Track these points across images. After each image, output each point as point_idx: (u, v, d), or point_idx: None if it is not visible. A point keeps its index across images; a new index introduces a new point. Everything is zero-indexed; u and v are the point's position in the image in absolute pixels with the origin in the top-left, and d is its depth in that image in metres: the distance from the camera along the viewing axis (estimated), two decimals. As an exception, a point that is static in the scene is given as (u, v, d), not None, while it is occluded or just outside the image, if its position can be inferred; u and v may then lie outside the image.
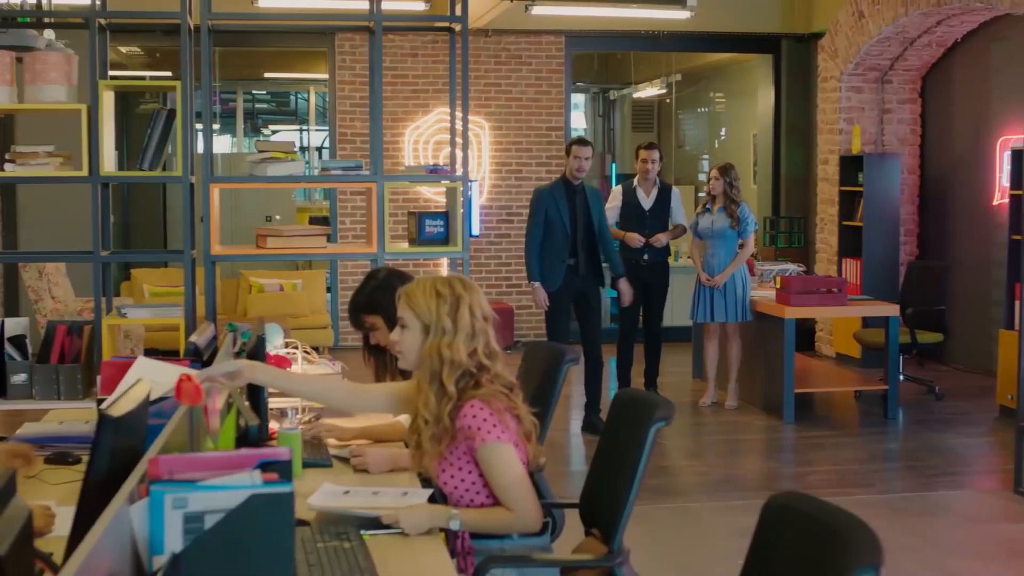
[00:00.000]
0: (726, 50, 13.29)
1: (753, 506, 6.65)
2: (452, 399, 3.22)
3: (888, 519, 6.33)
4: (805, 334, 11.29)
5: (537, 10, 9.49)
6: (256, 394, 3.85)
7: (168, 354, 6.01)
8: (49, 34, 7.32)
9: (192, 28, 5.97)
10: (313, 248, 5.96)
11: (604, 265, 8.39)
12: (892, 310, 8.73)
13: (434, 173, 6.26)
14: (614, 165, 16.27)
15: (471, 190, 7.14)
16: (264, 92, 18.88)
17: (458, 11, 6.22)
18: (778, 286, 8.75)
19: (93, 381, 5.90)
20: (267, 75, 16.75)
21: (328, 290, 12.28)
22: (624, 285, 8.49)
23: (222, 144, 17.40)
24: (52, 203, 10.82)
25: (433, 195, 11.57)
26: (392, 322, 4.04)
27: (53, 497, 3.63)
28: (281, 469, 2.47)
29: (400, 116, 11.75)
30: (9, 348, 5.77)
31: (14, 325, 5.91)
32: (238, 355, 4.61)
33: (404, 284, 4.00)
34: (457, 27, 6.31)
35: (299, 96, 18.67)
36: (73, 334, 5.86)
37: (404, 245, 6.29)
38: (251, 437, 2.77)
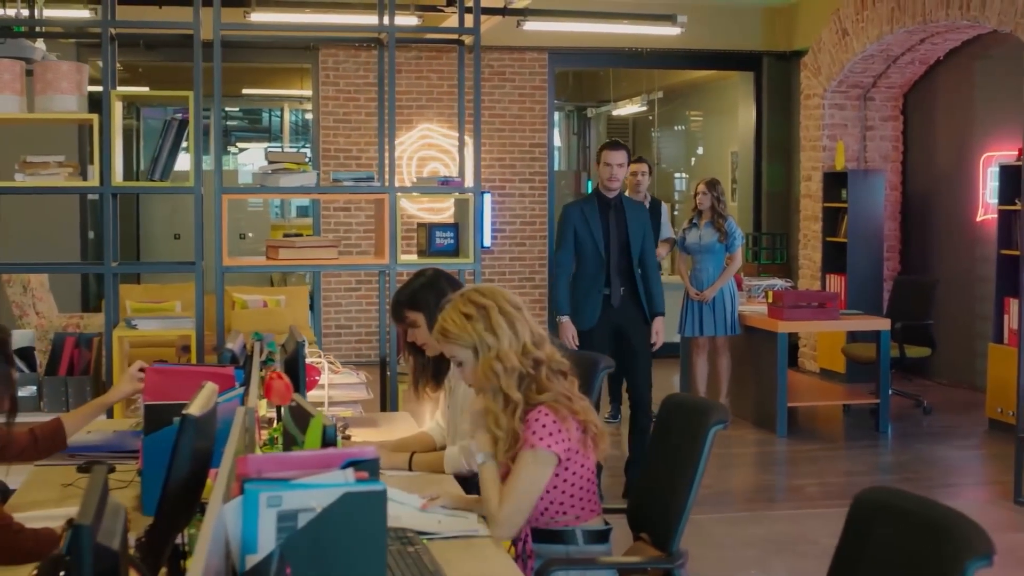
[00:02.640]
0: (708, 67, 13.38)
1: (759, 517, 6.69)
2: (520, 404, 3.22)
3: (893, 529, 6.37)
4: (789, 349, 11.34)
5: (527, 26, 9.51)
6: (295, 384, 3.81)
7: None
8: (39, 45, 7.31)
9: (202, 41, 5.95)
10: (325, 259, 5.94)
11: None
12: (883, 324, 8.80)
13: (446, 185, 6.25)
14: (590, 183, 16.33)
15: (483, 202, 7.09)
16: (236, 109, 18.80)
17: (469, 23, 6.23)
18: (770, 300, 8.80)
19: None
20: (245, 91, 16.67)
21: (311, 307, 12.22)
22: (660, 325, 7.10)
23: (182, 161, 17.18)
24: (25, 215, 10.68)
25: (418, 211, 11.57)
26: (433, 322, 4.06)
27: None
28: (370, 468, 2.46)
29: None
30: (17, 361, 5.71)
31: (21, 337, 5.85)
32: (265, 364, 4.60)
33: (452, 286, 4.02)
34: (468, 39, 6.33)
35: (272, 113, 18.62)
36: (81, 346, 5.82)
37: (412, 256, 6.27)
38: (328, 438, 2.75)
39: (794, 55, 12.00)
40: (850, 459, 8.14)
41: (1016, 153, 8.72)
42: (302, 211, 17.71)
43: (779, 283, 9.91)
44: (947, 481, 7.58)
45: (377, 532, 2.37)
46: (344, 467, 2.46)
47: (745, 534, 6.31)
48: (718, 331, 8.88)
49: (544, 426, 3.19)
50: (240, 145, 19.37)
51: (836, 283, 10.93)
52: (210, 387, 2.85)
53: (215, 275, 5.83)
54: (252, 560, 2.30)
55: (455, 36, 6.54)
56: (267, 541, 2.31)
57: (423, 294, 4.14)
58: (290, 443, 3.07)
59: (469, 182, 6.50)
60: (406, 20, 9.13)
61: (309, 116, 18.14)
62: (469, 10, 6.28)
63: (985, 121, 10.17)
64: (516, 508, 3.18)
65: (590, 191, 15.72)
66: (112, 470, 3.94)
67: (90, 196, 11.37)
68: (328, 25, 8.00)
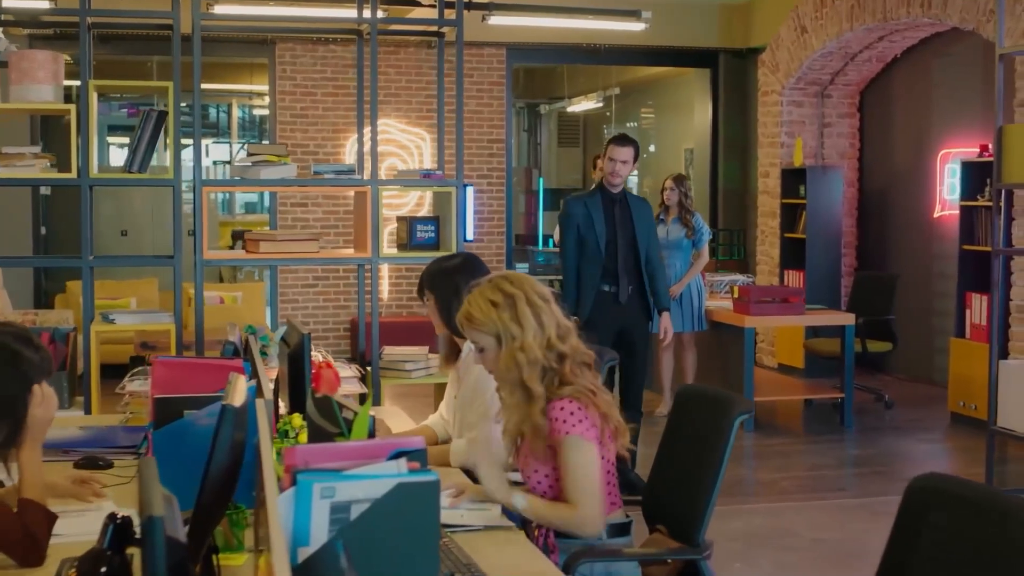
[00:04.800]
0: (664, 64, 13.40)
1: (737, 511, 6.69)
2: (541, 398, 3.18)
3: (871, 522, 6.41)
4: (748, 345, 11.40)
5: (492, 20, 9.44)
6: (300, 381, 3.73)
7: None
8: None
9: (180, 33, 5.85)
10: (306, 253, 5.87)
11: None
12: (848, 319, 8.85)
13: (428, 178, 6.21)
14: (541, 180, 16.32)
15: (466, 195, 7.03)
16: (184, 104, 18.53)
17: (448, 15, 6.19)
18: (735, 296, 8.82)
19: (78, 389, 5.75)
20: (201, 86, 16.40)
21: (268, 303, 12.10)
22: (668, 321, 7.25)
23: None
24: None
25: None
26: (444, 308, 4.03)
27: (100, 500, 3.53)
28: (419, 458, 2.42)
29: (341, 127, 11.64)
30: None
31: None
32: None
33: (476, 276, 3.98)
34: (447, 31, 6.28)
35: (220, 109, 18.40)
36: (57, 341, 5.69)
37: (392, 250, 6.23)
38: (370, 429, 2.71)
39: (751, 52, 12.06)
40: (818, 453, 8.19)
41: (977, 150, 8.81)
42: (250, 207, 17.51)
43: (741, 279, 9.95)
44: (917, 474, 7.61)
45: (430, 522, 2.34)
46: (391, 457, 2.42)
47: (726, 528, 6.30)
48: (685, 327, 8.90)
49: (572, 414, 3.16)
50: (185, 141, 19.09)
51: (795, 279, 10.99)
52: (240, 379, 2.79)
53: (196, 269, 5.73)
54: (304, 553, 2.24)
55: (435, 28, 6.47)
56: (319, 533, 2.26)
57: (444, 278, 4.09)
58: (318, 435, 3.01)
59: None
60: (350, 13, 9.03)
61: (257, 112, 17.99)
62: (449, 5, 6.23)
63: (942, 118, 10.27)
64: (588, 497, 3.17)
65: (541, 188, 15.78)
66: (110, 466, 3.87)
67: (43, 190, 11.21)
68: (304, 17, 7.92)
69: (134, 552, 2.46)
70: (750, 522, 6.42)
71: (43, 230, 11.57)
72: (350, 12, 6.58)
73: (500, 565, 2.90)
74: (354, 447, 2.44)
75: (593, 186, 7.24)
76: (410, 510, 2.30)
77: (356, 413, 2.78)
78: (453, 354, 4.10)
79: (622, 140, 7.04)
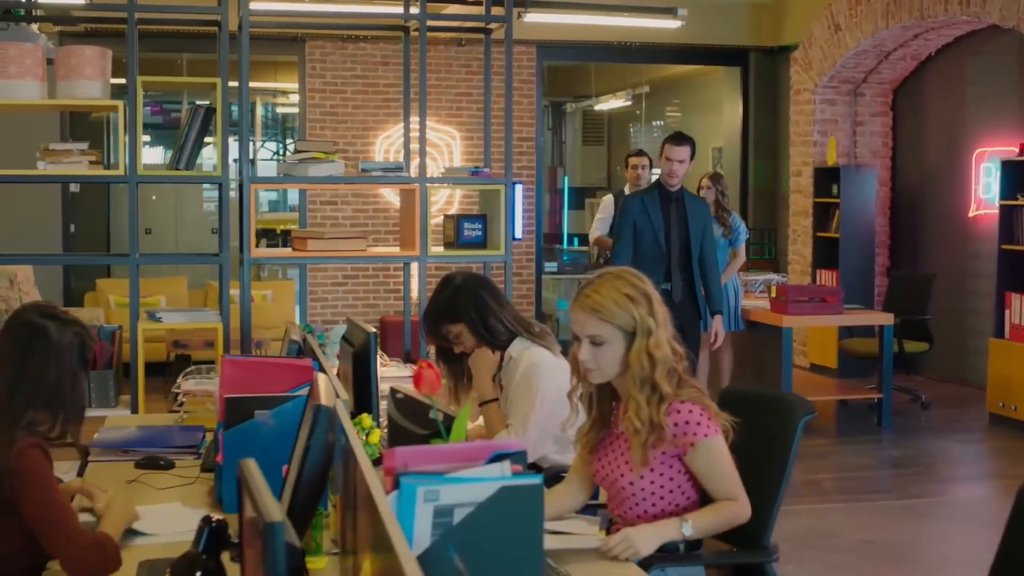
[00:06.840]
0: (695, 62, 13.32)
1: (783, 512, 6.59)
2: (668, 399, 3.11)
3: (916, 523, 6.38)
4: (778, 344, 11.32)
5: (528, 18, 9.39)
6: (366, 380, 3.67)
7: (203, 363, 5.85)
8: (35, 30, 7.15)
9: (226, 29, 5.81)
10: (354, 251, 5.83)
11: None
12: (887, 319, 8.77)
13: (476, 175, 6.17)
14: (566, 178, 16.26)
15: (515, 192, 6.97)
16: (207, 102, 18.45)
17: (495, 11, 6.14)
18: (772, 295, 8.76)
19: (124, 387, 5.72)
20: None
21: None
22: (719, 324, 7.35)
23: (154, 155, 16.75)
24: (2, 208, 10.35)
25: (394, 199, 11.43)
26: (476, 328, 3.91)
27: (162, 500, 3.50)
28: (520, 460, 2.38)
29: (371, 125, 11.60)
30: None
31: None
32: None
33: (482, 287, 3.90)
34: (495, 27, 6.24)
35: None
36: (103, 340, 5.67)
37: (439, 248, 6.19)
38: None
39: (781, 50, 11.98)
40: (857, 454, 8.12)
41: (1016, 149, 8.73)
42: (273, 205, 17.47)
43: (776, 278, 9.89)
44: (962, 474, 7.60)
45: (534, 526, 2.30)
46: (490, 460, 2.37)
47: (774, 529, 6.25)
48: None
49: (701, 414, 3.13)
50: (208, 140, 18.98)
51: (827, 278, 10.92)
52: (324, 379, 2.75)
53: (243, 267, 5.69)
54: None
55: (481, 25, 6.42)
56: (422, 537, 2.22)
57: (461, 301, 3.93)
58: (400, 435, 2.97)
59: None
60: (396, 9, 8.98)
61: (281, 110, 17.96)
62: (497, 2, 6.18)
63: (978, 117, 10.19)
64: (741, 487, 3.19)
65: (566, 186, 15.71)
66: (172, 466, 3.83)
67: (72, 188, 11.18)
68: (349, 13, 7.87)
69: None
70: (797, 523, 6.35)
71: (72, 228, 11.53)
72: (396, 8, 6.53)
73: (587, 572, 2.85)
74: (453, 449, 2.40)
75: (646, 183, 7.20)
76: (514, 513, 2.26)
77: (444, 414, 2.73)
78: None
79: (678, 139, 7.03)
